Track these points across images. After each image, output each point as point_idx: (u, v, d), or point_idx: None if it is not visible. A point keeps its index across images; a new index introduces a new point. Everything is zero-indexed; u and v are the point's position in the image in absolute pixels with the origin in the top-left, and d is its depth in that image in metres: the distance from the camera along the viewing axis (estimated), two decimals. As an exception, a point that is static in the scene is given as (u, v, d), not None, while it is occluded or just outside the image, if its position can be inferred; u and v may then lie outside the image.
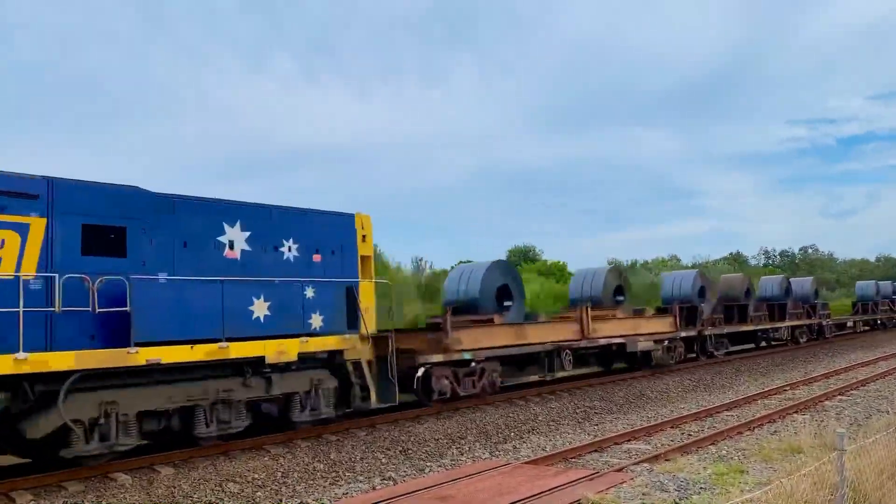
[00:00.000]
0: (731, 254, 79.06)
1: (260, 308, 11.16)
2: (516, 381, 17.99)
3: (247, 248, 11.50)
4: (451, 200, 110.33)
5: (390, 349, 12.77)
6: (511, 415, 14.92)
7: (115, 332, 9.61)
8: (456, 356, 14.60)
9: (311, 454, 11.28)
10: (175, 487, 9.49)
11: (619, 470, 9.60)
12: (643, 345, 20.80)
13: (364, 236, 13.38)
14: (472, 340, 15.26)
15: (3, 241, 9.05)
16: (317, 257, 12.46)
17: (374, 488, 9.57)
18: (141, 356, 9.60)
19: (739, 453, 10.78)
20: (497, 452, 11.87)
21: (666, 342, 22.25)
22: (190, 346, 10.11)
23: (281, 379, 11.54)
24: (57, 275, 9.14)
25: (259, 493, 9.55)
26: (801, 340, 32.78)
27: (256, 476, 10.16)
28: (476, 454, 11.75)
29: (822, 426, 12.51)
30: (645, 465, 9.88)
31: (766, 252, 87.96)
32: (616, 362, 22.22)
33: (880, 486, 6.96)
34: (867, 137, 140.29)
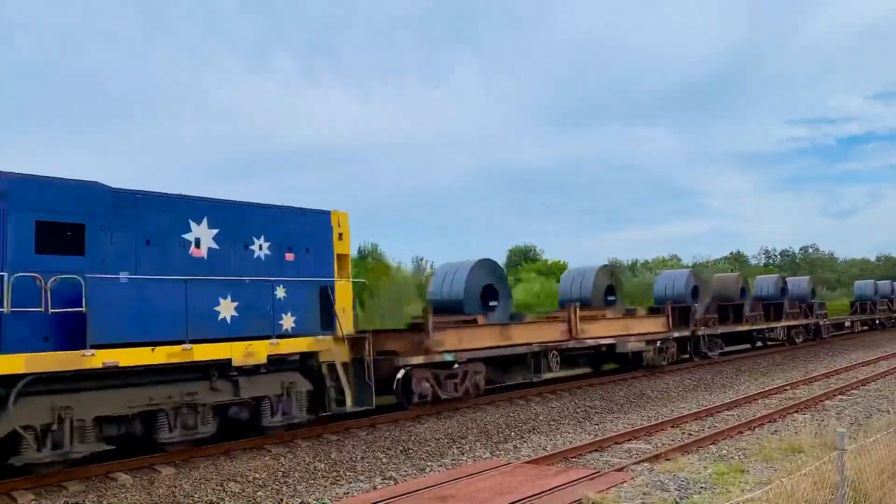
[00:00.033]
0: (731, 253, 79.29)
1: (227, 308, 10.82)
2: (502, 384, 17.87)
3: (214, 246, 11.12)
4: (452, 200, 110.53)
5: (367, 351, 12.54)
6: (512, 414, 14.97)
7: (72, 333, 9.33)
8: (437, 358, 14.38)
9: (311, 454, 11.31)
10: (176, 487, 9.52)
11: (620, 469, 9.70)
12: (633, 345, 20.68)
13: (341, 234, 13.07)
14: (454, 341, 15.05)
15: (-50, 238, 8.78)
16: (290, 256, 12.11)
17: (374, 488, 9.62)
18: (97, 359, 9.29)
19: (740, 453, 10.86)
20: (498, 452, 11.92)
21: (658, 343, 22.10)
22: (151, 348, 9.86)
23: (249, 382, 11.26)
24: (6, 273, 8.84)
25: (260, 493, 9.59)
26: (797, 340, 32.94)
27: (257, 475, 10.18)
28: (477, 454, 11.80)
29: (823, 426, 12.63)
30: (645, 464, 9.97)
31: (767, 252, 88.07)
32: (607, 364, 22.25)
33: (881, 486, 7.03)
34: (867, 137, 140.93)
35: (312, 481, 10.22)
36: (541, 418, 14.98)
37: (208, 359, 10.54)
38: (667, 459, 10.50)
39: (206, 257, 10.97)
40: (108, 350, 9.41)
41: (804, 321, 33.74)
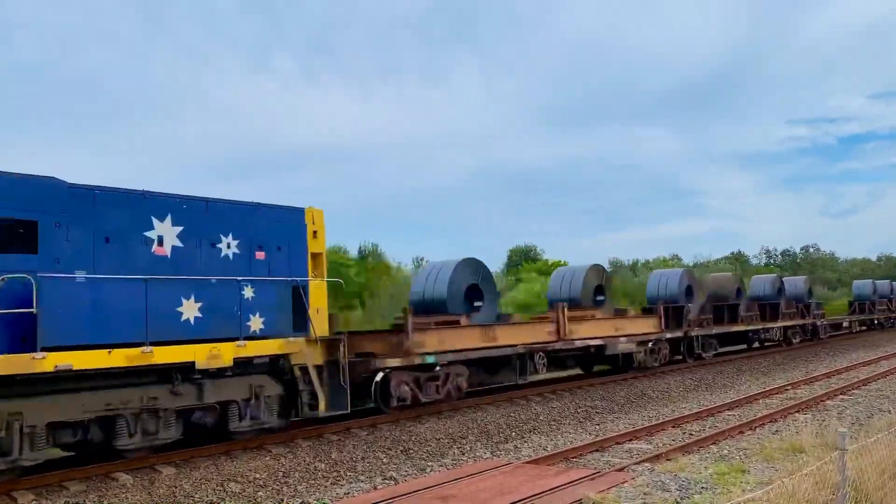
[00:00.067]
0: (732, 253, 79.28)
1: (190, 309, 10.42)
2: (487, 386, 17.44)
3: (178, 244, 10.67)
4: (452, 200, 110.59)
5: (342, 353, 12.19)
6: (512, 414, 14.99)
7: (24, 335, 8.95)
8: (417, 360, 14.00)
9: (312, 454, 11.33)
10: (176, 487, 9.54)
11: (621, 469, 9.73)
12: (624, 346, 20.27)
13: (315, 232, 12.60)
14: (435, 343, 14.59)
15: None
16: (260, 254, 11.66)
17: (375, 488, 9.63)
18: (49, 362, 8.89)
19: (741, 453, 10.88)
20: (498, 452, 11.93)
21: (650, 344, 21.70)
22: (108, 350, 9.46)
23: (215, 386, 10.84)
24: None
25: (261, 493, 9.60)
26: (794, 341, 32.72)
27: (258, 476, 10.20)
28: (477, 454, 11.82)
29: (824, 426, 12.66)
30: (646, 464, 10.00)
31: (768, 252, 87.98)
32: (597, 365, 21.83)
33: (882, 486, 7.04)
34: (868, 137, 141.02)
35: (313, 481, 10.24)
36: (541, 418, 15.00)
37: (170, 362, 10.15)
38: (668, 459, 10.52)
39: (169, 256, 10.55)
40: (61, 353, 9.03)
41: (801, 321, 33.58)
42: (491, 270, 19.69)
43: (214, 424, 11.09)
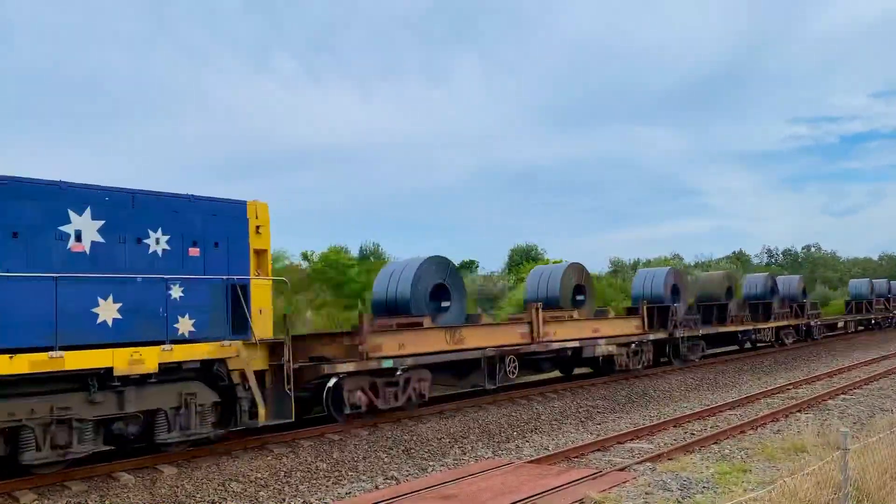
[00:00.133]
0: (733, 252, 79.05)
1: (108, 310, 9.62)
2: (454, 391, 16.93)
3: (99, 239, 9.80)
4: (452, 200, 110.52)
5: (286, 357, 11.36)
6: (514, 414, 14.98)
7: None
8: (373, 364, 13.23)
9: (313, 453, 11.33)
10: (178, 487, 9.53)
11: (622, 469, 9.73)
12: (603, 349, 19.36)
13: (259, 227, 11.75)
14: (394, 346, 13.89)
15: None
16: (194, 251, 10.79)
17: (376, 487, 9.63)
18: None
19: (742, 452, 10.86)
20: (500, 452, 11.92)
21: (633, 345, 20.82)
22: (9, 355, 8.66)
23: (138, 394, 9.99)
24: None
25: (262, 493, 9.60)
26: (786, 342, 31.89)
27: (259, 475, 10.20)
28: (479, 453, 11.80)
29: (826, 425, 12.66)
30: (648, 464, 9.98)
31: (769, 251, 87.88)
32: (578, 368, 21.13)
33: (884, 486, 7.04)
34: (870, 135, 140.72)
35: (314, 481, 10.24)
36: (543, 418, 14.99)
37: (83, 367, 9.29)
38: (669, 459, 10.51)
39: (87, 252, 9.67)
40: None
41: (794, 321, 32.81)
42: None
43: (140, 435, 10.25)
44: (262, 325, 11.42)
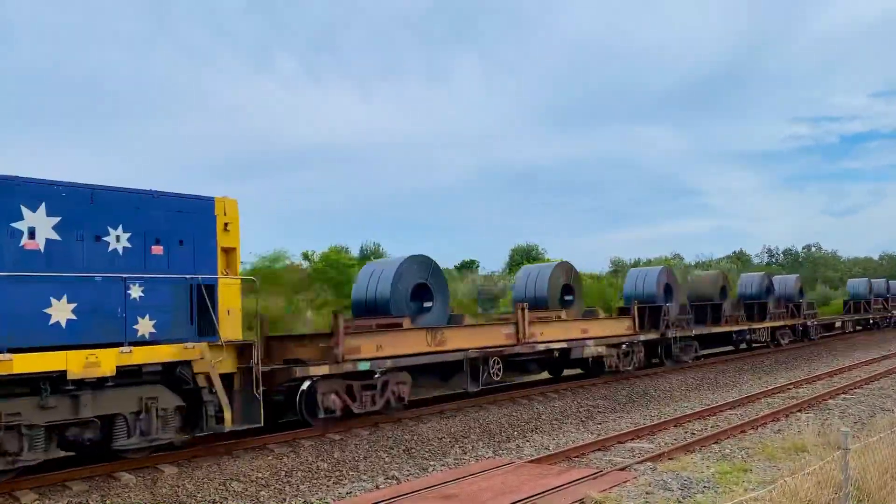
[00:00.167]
0: (734, 252, 79.03)
1: (61, 311, 9.18)
2: (437, 395, 16.54)
3: (55, 237, 9.38)
4: (453, 200, 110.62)
5: (255, 359, 10.87)
6: (514, 414, 14.98)
7: None
8: (348, 367, 12.78)
9: (314, 453, 11.33)
10: (179, 486, 9.54)
11: (623, 469, 9.72)
12: (591, 350, 18.96)
13: (227, 224, 11.26)
14: (371, 348, 13.46)
15: None
16: (157, 249, 10.36)
17: (377, 487, 9.63)
18: None
19: (743, 452, 10.87)
20: (500, 451, 11.92)
21: (623, 346, 20.42)
22: None
23: (94, 398, 9.51)
24: None
25: (263, 493, 9.60)
26: (782, 342, 31.56)
27: (260, 475, 10.20)
28: (479, 453, 11.80)
29: (826, 425, 12.67)
30: (648, 463, 9.98)
31: (769, 250, 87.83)
32: (567, 369, 20.70)
33: (884, 485, 7.04)
34: (870, 135, 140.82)
35: (315, 481, 10.24)
36: (543, 417, 14.99)
37: (34, 371, 8.87)
38: (670, 459, 10.51)
39: (42, 250, 9.28)
40: None
41: (790, 322, 32.48)
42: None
43: (98, 441, 9.80)
44: (231, 326, 10.97)
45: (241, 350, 10.99)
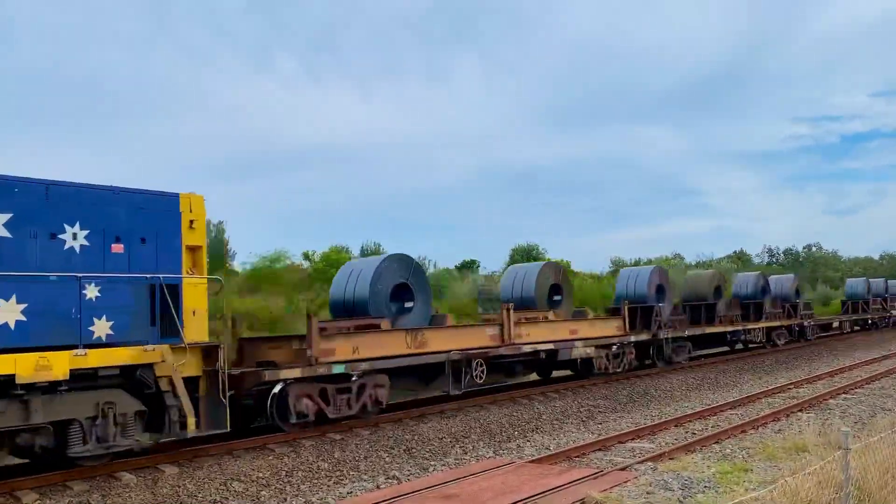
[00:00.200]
0: (735, 252, 78.99)
1: (9, 311, 8.78)
2: (417, 398, 16.25)
3: (6, 234, 8.99)
4: (453, 200, 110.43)
5: (221, 362, 10.43)
6: (515, 413, 14.98)
7: None
8: (321, 370, 12.35)
9: (315, 453, 11.33)
10: (180, 486, 9.54)
11: (623, 469, 9.73)
12: (580, 351, 18.59)
13: (192, 222, 10.80)
14: (347, 350, 12.98)
15: None
16: (118, 247, 9.92)
17: (378, 487, 9.64)
18: None
19: (744, 452, 10.86)
20: (501, 451, 11.92)
21: (613, 347, 20.02)
22: None
23: (46, 403, 9.07)
24: None
25: (264, 493, 9.60)
26: (778, 343, 31.17)
27: (261, 475, 10.20)
28: (480, 453, 11.81)
29: (827, 424, 12.67)
30: (649, 463, 9.98)
31: (770, 250, 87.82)
32: (556, 371, 20.37)
33: (885, 485, 7.04)
34: (871, 135, 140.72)
35: (316, 481, 10.24)
36: (544, 417, 14.99)
37: None
38: (670, 458, 10.51)
39: None
40: None
41: (787, 322, 32.10)
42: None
43: (52, 448, 9.35)
44: (196, 328, 10.53)
45: (207, 352, 10.54)
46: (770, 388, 18.61)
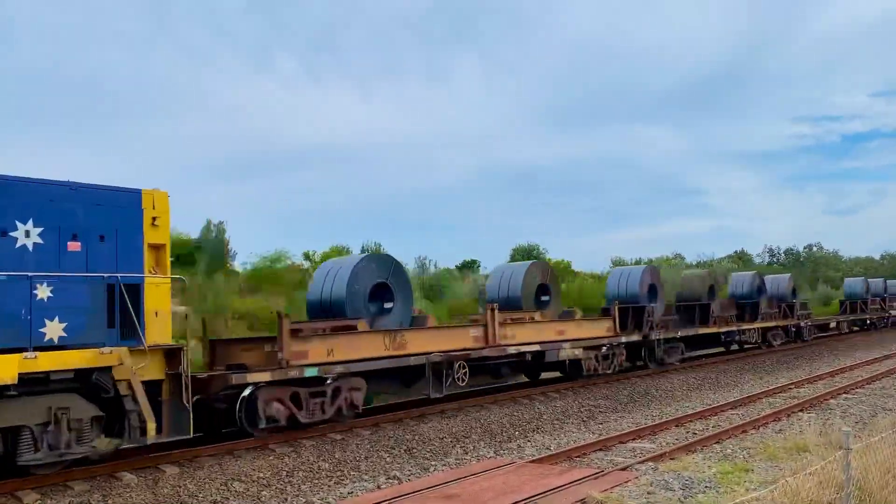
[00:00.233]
0: (735, 252, 78.96)
1: None
2: (398, 401, 16.02)
3: None
4: (453, 200, 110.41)
5: (184, 365, 9.98)
6: (516, 413, 14.98)
7: None
8: (294, 373, 11.95)
9: (315, 453, 11.34)
10: (180, 487, 9.55)
11: (624, 469, 9.73)
12: (568, 353, 18.11)
13: (155, 219, 10.37)
14: (321, 353, 12.54)
15: None
16: (74, 245, 9.50)
17: (378, 487, 9.64)
18: None
19: (744, 452, 10.87)
20: (502, 451, 11.93)
21: (603, 349, 19.61)
22: None
23: None
24: None
25: (264, 493, 9.61)
26: (774, 343, 30.80)
27: (262, 475, 10.21)
28: (481, 453, 11.81)
29: (828, 424, 12.67)
30: (650, 463, 9.98)
31: (771, 250, 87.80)
32: (544, 373, 19.93)
33: (886, 485, 7.04)
34: (871, 135, 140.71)
35: (317, 481, 10.25)
36: (545, 417, 14.99)
37: None
38: (671, 458, 10.51)
39: None
40: None
41: (783, 322, 31.74)
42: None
43: (1, 456, 8.95)
44: (159, 329, 10.08)
45: (170, 355, 10.10)
46: (771, 388, 18.61)
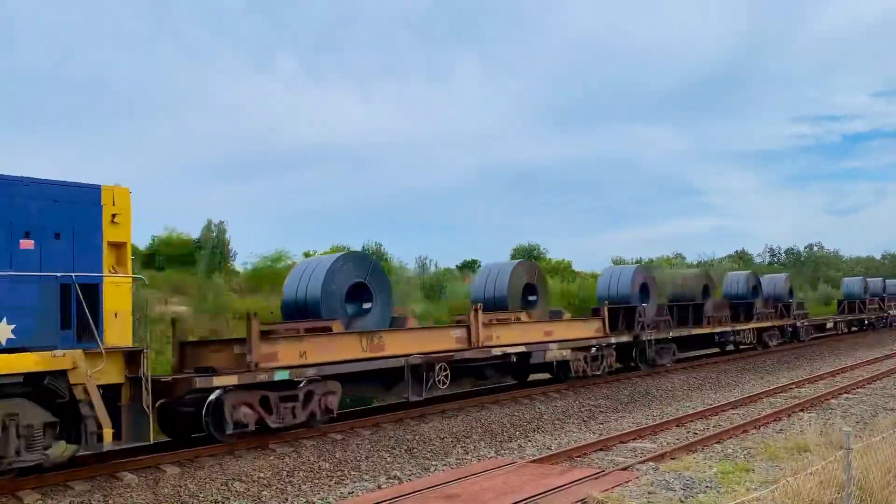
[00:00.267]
0: (736, 252, 78.96)
1: None
2: (377, 405, 15.72)
3: None
4: (453, 200, 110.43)
5: (142, 370, 9.59)
6: (516, 413, 14.98)
7: None
8: (263, 376, 11.49)
9: (316, 453, 11.34)
10: (181, 487, 9.55)
11: (625, 469, 9.73)
12: (555, 354, 17.68)
13: (115, 216, 9.92)
14: (293, 355, 12.14)
15: None
16: (27, 243, 9.07)
17: (379, 487, 9.64)
18: None
19: (745, 452, 10.87)
20: (502, 451, 11.93)
21: (592, 350, 19.18)
22: None
23: None
24: None
25: (265, 493, 9.61)
26: (770, 344, 30.37)
27: (262, 475, 10.21)
28: (481, 453, 11.82)
29: (829, 424, 12.65)
30: (650, 463, 9.98)
31: (771, 249, 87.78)
32: (532, 374, 19.63)
33: (887, 485, 7.04)
34: (872, 134, 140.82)
35: (317, 481, 10.25)
36: (545, 417, 15.00)
37: None
38: (672, 458, 10.51)
39: None
40: None
41: (779, 322, 31.36)
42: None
43: None
44: (118, 331, 9.63)
45: (131, 358, 9.68)
46: (771, 387, 18.61)
